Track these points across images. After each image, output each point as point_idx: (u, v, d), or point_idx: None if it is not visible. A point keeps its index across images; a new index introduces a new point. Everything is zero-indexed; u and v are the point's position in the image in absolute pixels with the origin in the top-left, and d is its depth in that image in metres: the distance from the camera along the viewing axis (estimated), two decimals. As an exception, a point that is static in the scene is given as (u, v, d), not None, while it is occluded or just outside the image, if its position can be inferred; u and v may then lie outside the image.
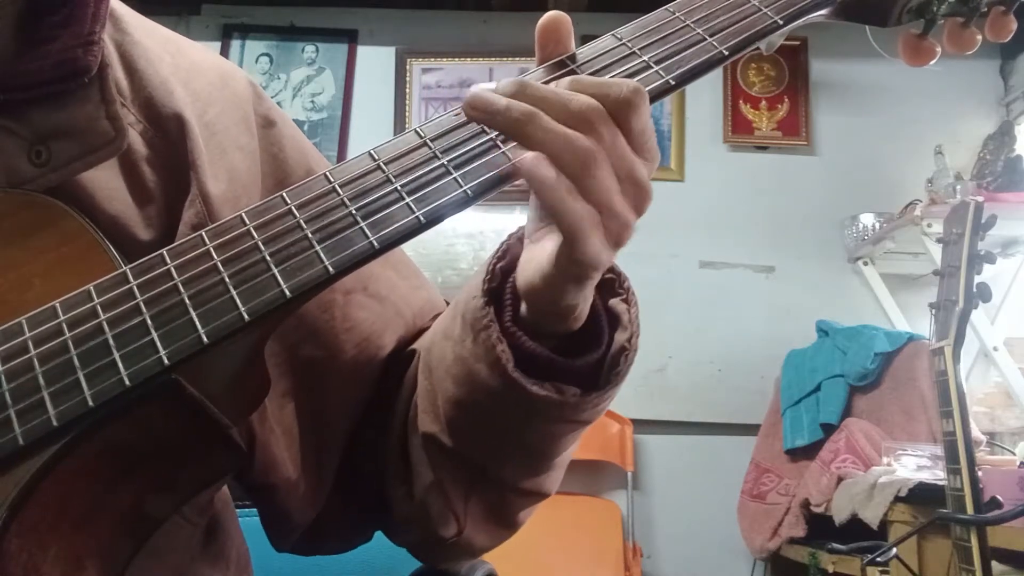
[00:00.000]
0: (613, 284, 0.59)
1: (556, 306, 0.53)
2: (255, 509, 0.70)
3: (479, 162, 0.51)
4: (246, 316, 0.47)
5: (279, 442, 0.65)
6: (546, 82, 0.52)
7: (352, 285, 0.66)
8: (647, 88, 0.52)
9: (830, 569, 2.16)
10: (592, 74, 0.53)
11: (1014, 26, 0.60)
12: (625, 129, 0.49)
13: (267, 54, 3.13)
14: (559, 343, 0.56)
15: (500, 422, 0.58)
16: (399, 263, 0.72)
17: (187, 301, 0.48)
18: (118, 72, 0.61)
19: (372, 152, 0.52)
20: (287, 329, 0.63)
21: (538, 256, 0.52)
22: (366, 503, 0.69)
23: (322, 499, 0.68)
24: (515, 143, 0.50)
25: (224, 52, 3.07)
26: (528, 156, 0.48)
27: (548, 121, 0.48)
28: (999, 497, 1.41)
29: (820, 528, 2.27)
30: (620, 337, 0.57)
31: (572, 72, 0.53)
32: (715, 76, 3.06)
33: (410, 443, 0.64)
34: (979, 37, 0.61)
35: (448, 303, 0.67)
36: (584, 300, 0.53)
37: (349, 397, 0.67)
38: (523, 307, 0.55)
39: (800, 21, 0.57)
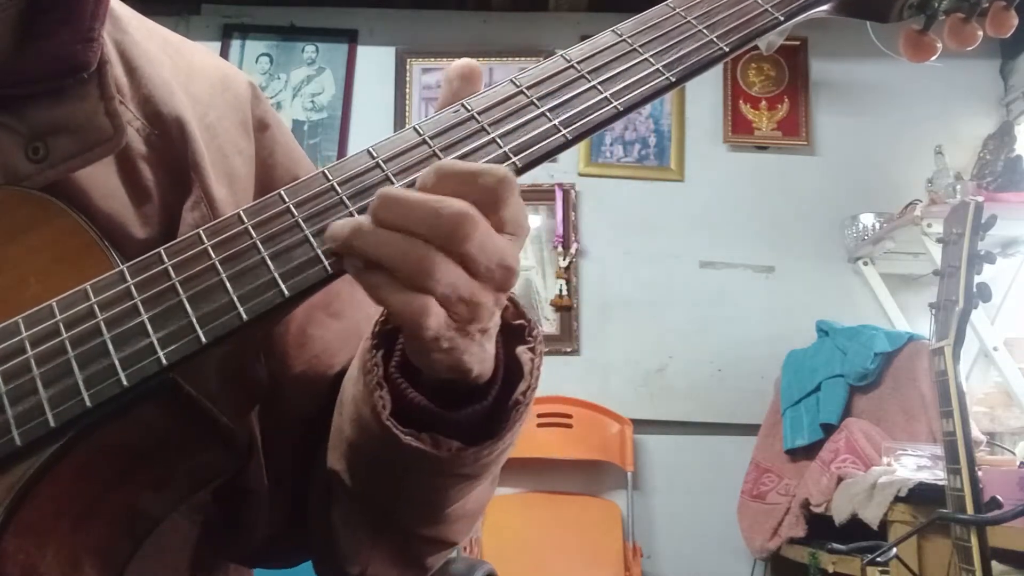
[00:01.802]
0: (522, 331, 0.56)
1: (437, 372, 0.50)
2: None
3: (478, 160, 0.50)
4: (244, 316, 0.47)
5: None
6: (510, 113, 0.51)
7: (315, 301, 0.64)
8: (648, 86, 0.52)
9: (830, 569, 2.16)
10: (593, 71, 0.53)
11: (1015, 21, 0.59)
12: (495, 217, 0.47)
13: (267, 54, 3.13)
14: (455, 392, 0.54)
15: (386, 470, 0.56)
16: None
17: (185, 301, 0.48)
18: (117, 70, 0.61)
19: (371, 150, 0.51)
20: None
21: None
22: (304, 525, 0.68)
23: (280, 516, 0.66)
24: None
25: (224, 52, 3.07)
26: (347, 262, 0.47)
27: (375, 233, 0.46)
28: (999, 497, 1.41)
29: (820, 528, 2.27)
30: (519, 388, 0.54)
31: (522, 94, 0.52)
32: (715, 76, 3.06)
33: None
34: (980, 33, 0.60)
35: None
36: (475, 362, 0.50)
37: (297, 412, 0.66)
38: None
39: (801, 17, 0.57)
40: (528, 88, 0.52)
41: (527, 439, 2.47)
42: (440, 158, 0.50)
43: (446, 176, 0.47)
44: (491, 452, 0.54)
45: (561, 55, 0.54)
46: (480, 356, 0.50)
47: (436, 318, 0.46)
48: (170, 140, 0.61)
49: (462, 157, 0.50)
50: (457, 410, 0.53)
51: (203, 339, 0.47)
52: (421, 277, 0.45)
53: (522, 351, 0.55)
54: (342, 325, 0.67)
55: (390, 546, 0.62)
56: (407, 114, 3.05)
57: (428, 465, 0.53)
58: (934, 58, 0.61)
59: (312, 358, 0.66)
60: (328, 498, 0.64)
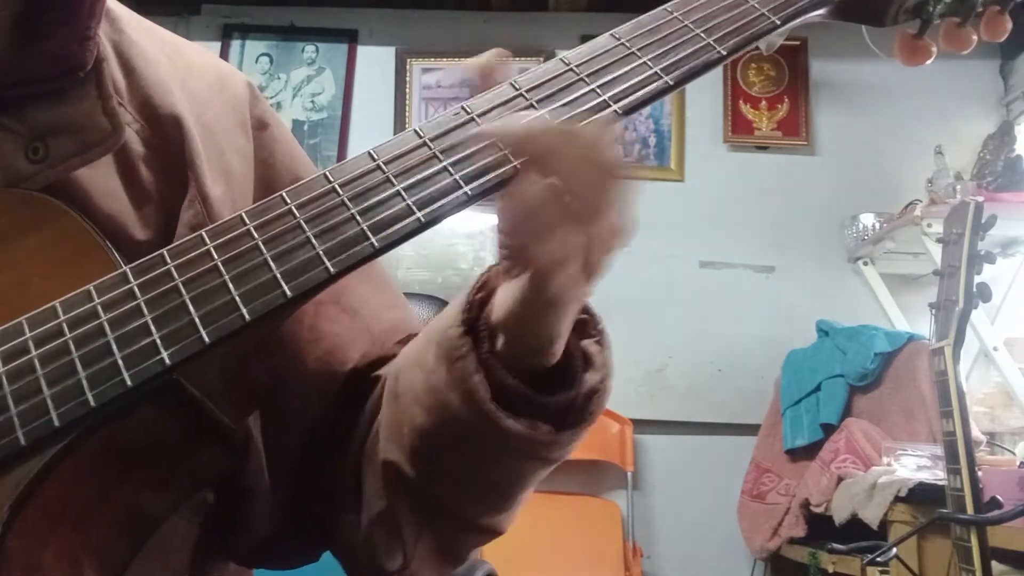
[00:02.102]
0: (587, 325, 0.57)
1: (533, 341, 0.52)
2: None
3: (479, 162, 0.50)
4: (247, 316, 0.48)
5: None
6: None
7: (325, 297, 0.64)
8: (647, 89, 0.52)
9: (830, 569, 2.16)
10: (591, 74, 0.53)
11: (1009, 26, 0.60)
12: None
13: (267, 54, 3.13)
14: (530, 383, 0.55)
15: (468, 455, 0.56)
16: (377, 279, 0.71)
17: (188, 302, 0.48)
18: (115, 71, 0.61)
19: (372, 152, 0.52)
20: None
21: (514, 291, 0.51)
22: (313, 524, 0.68)
23: (280, 514, 0.66)
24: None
25: (224, 52, 3.08)
26: (533, 184, 0.47)
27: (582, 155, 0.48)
28: (999, 497, 1.41)
29: (820, 528, 2.27)
30: (592, 378, 0.56)
31: (521, 97, 0.53)
32: (715, 76, 3.06)
33: (364, 471, 0.63)
34: (975, 37, 0.61)
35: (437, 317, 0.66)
36: (560, 335, 0.53)
37: (307, 409, 0.66)
38: (499, 341, 0.54)
39: (797, 21, 0.57)
40: (527, 91, 0.53)
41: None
42: (441, 160, 0.51)
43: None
44: (579, 438, 0.56)
45: (560, 58, 0.54)
46: (564, 332, 0.53)
47: (567, 269, 0.48)
48: (167, 140, 0.61)
49: (463, 160, 0.50)
50: (553, 396, 0.55)
51: (206, 339, 0.47)
52: (597, 209, 0.47)
53: (589, 343, 0.57)
54: (353, 321, 0.67)
55: (438, 538, 0.63)
56: (407, 114, 3.05)
57: (524, 448, 0.54)
58: (929, 62, 0.61)
59: (324, 354, 0.66)
60: (360, 492, 0.63)
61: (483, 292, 0.56)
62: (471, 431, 0.54)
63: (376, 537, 0.63)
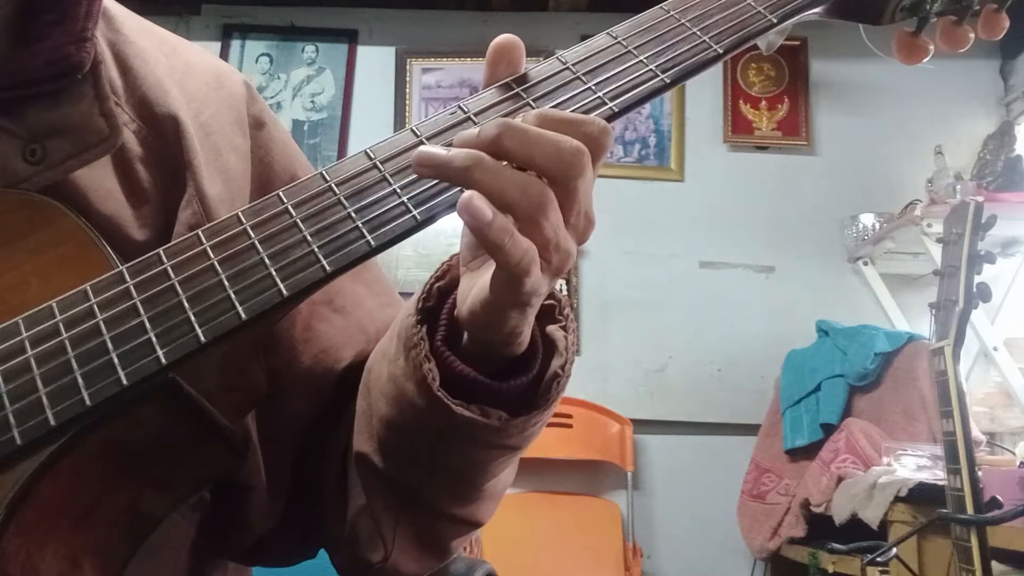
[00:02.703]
0: (553, 311, 0.57)
1: (498, 334, 0.52)
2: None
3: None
4: (243, 315, 0.47)
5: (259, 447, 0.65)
6: (506, 114, 0.51)
7: (318, 297, 0.65)
8: (643, 87, 0.52)
9: (830, 569, 2.16)
10: (588, 73, 0.53)
11: (1006, 24, 0.60)
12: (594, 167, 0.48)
13: (267, 54, 3.13)
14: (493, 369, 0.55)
15: (427, 444, 0.57)
16: (371, 279, 0.71)
17: (184, 301, 0.48)
18: (112, 71, 0.61)
19: (368, 151, 0.51)
20: None
21: (478, 286, 0.51)
22: (309, 521, 0.68)
23: (277, 512, 0.67)
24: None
25: (224, 52, 3.08)
26: (466, 196, 0.46)
27: (497, 167, 0.46)
28: (999, 497, 1.41)
29: (820, 528, 2.27)
30: (555, 363, 0.55)
31: (518, 96, 0.52)
32: (715, 76, 3.06)
33: (348, 465, 0.64)
34: (972, 35, 0.61)
35: None
36: (526, 325, 0.52)
37: (302, 409, 0.66)
38: (465, 335, 0.54)
39: (794, 19, 0.57)
40: (524, 90, 0.53)
41: (527, 439, 2.47)
42: None
43: (550, 121, 0.47)
44: (536, 423, 0.55)
45: (557, 57, 0.54)
46: (529, 322, 0.52)
47: (538, 267, 0.46)
48: (165, 140, 0.61)
49: None
50: (505, 381, 0.54)
51: (202, 338, 0.47)
52: (538, 216, 0.45)
53: (554, 329, 0.56)
54: (346, 321, 0.68)
55: (415, 529, 0.63)
56: (407, 114, 3.06)
57: (475, 435, 0.54)
58: (926, 60, 0.61)
59: (319, 353, 0.66)
60: (342, 488, 0.64)
61: (445, 279, 0.57)
62: (426, 419, 0.54)
63: (359, 530, 0.63)
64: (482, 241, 0.45)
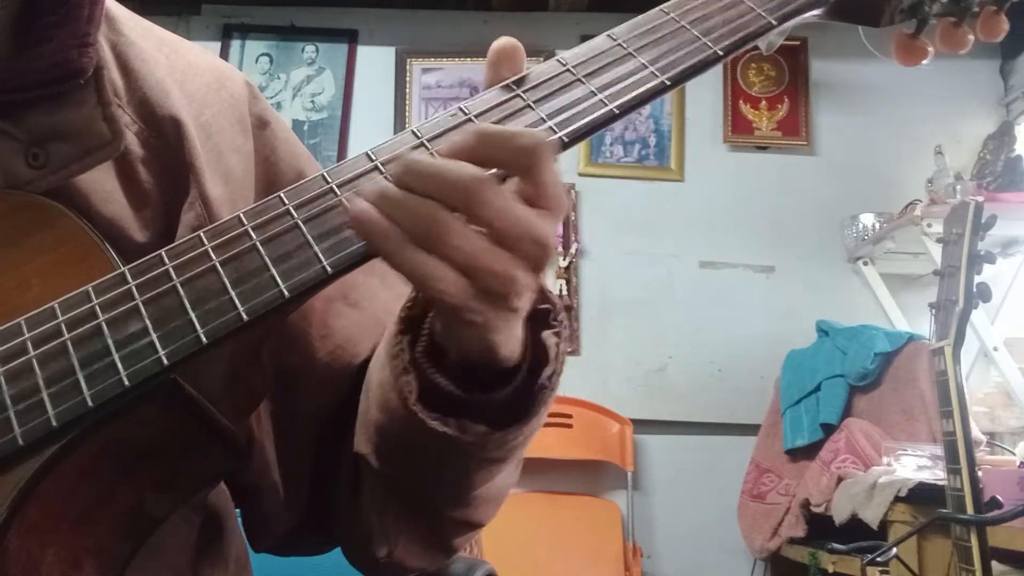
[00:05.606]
0: (547, 316, 0.55)
1: (471, 351, 0.50)
2: (253, 509, 0.70)
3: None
4: (245, 316, 0.48)
5: (271, 445, 0.65)
6: (505, 116, 0.51)
7: (332, 293, 0.65)
8: (643, 88, 0.52)
9: (830, 569, 2.16)
10: (589, 75, 0.53)
11: (1006, 26, 0.60)
12: (529, 186, 0.47)
13: (267, 54, 3.13)
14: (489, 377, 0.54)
15: (414, 452, 0.56)
16: (384, 271, 0.70)
17: (186, 302, 0.48)
18: (114, 73, 0.61)
19: (369, 152, 0.52)
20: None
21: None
22: (329, 516, 0.69)
23: (299, 507, 0.67)
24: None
25: (224, 52, 3.08)
26: (358, 206, 0.46)
27: (394, 199, 0.46)
28: (999, 497, 1.41)
29: (820, 528, 2.27)
30: (544, 373, 0.54)
31: (519, 97, 0.52)
32: (715, 76, 3.06)
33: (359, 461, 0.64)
34: (971, 37, 0.61)
35: None
36: (502, 344, 0.50)
37: (321, 404, 0.67)
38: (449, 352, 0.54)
39: (793, 21, 0.57)
40: (524, 92, 0.53)
41: (527, 439, 2.47)
42: None
43: (481, 137, 0.47)
44: (516, 437, 0.54)
45: (557, 59, 0.54)
46: (509, 337, 0.51)
47: (455, 285, 0.46)
48: (167, 141, 0.61)
49: None
50: (485, 394, 0.53)
51: (204, 339, 0.47)
52: (431, 238, 0.45)
53: (547, 335, 0.55)
54: (361, 315, 0.68)
55: (418, 527, 0.63)
56: (407, 114, 3.06)
57: (455, 449, 0.53)
58: (926, 62, 0.61)
59: (335, 348, 0.66)
60: (354, 482, 0.64)
61: None
62: (408, 431, 0.54)
63: (367, 525, 0.64)
64: (381, 255, 0.47)
